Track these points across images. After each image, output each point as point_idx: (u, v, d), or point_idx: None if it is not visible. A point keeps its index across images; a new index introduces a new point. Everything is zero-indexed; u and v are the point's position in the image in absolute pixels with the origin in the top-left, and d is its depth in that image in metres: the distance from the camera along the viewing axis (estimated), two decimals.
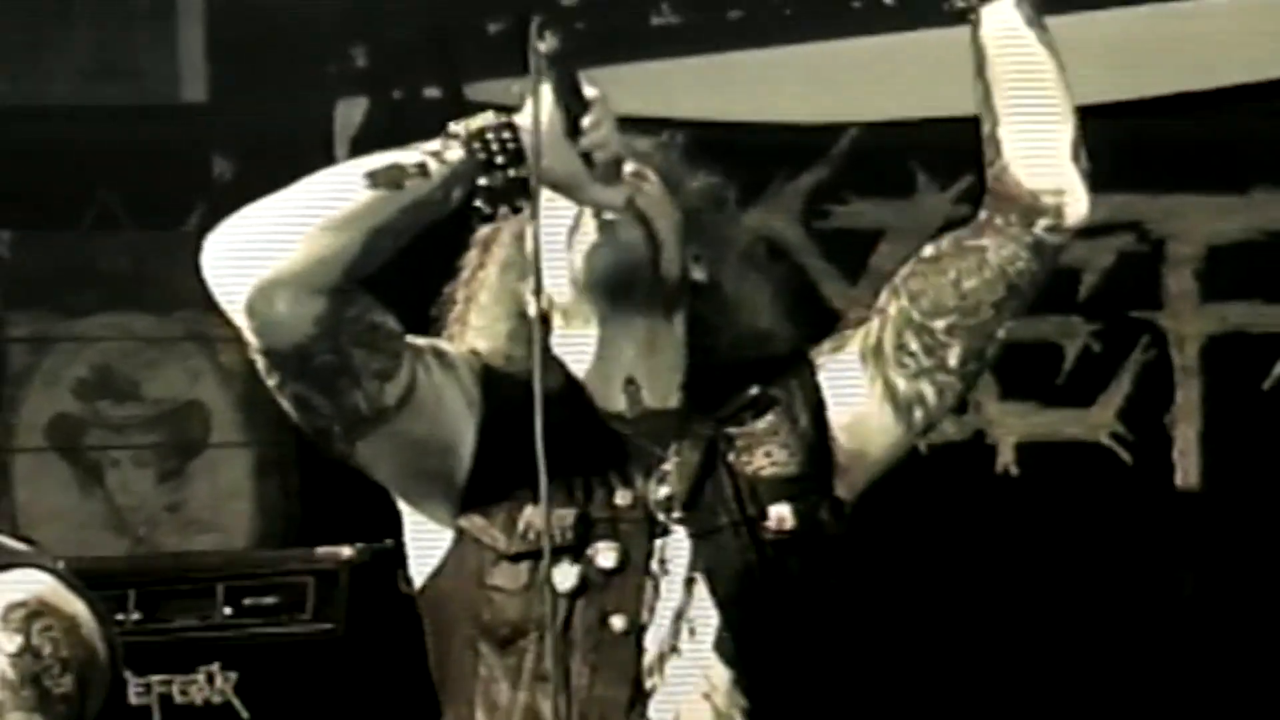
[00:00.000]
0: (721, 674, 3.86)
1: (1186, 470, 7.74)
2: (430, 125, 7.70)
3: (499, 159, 3.69)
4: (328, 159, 7.68)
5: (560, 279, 3.95)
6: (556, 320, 4.04)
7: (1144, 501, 7.79)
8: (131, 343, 8.21)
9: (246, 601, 6.85)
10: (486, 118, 3.74)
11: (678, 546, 3.85)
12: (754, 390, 4.02)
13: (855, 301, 7.69)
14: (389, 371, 3.84)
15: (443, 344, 4.01)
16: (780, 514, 3.89)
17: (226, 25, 8.21)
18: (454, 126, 3.72)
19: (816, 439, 4.00)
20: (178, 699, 6.67)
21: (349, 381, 3.81)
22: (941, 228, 7.35)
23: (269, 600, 6.85)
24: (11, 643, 4.37)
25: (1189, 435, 7.70)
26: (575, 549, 3.85)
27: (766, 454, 3.98)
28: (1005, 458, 8.03)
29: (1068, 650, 7.32)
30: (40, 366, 8.13)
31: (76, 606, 4.47)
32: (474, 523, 3.90)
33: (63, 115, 8.16)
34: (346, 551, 6.93)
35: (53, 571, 4.44)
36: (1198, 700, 7.37)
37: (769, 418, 4.00)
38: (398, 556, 6.78)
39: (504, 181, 3.69)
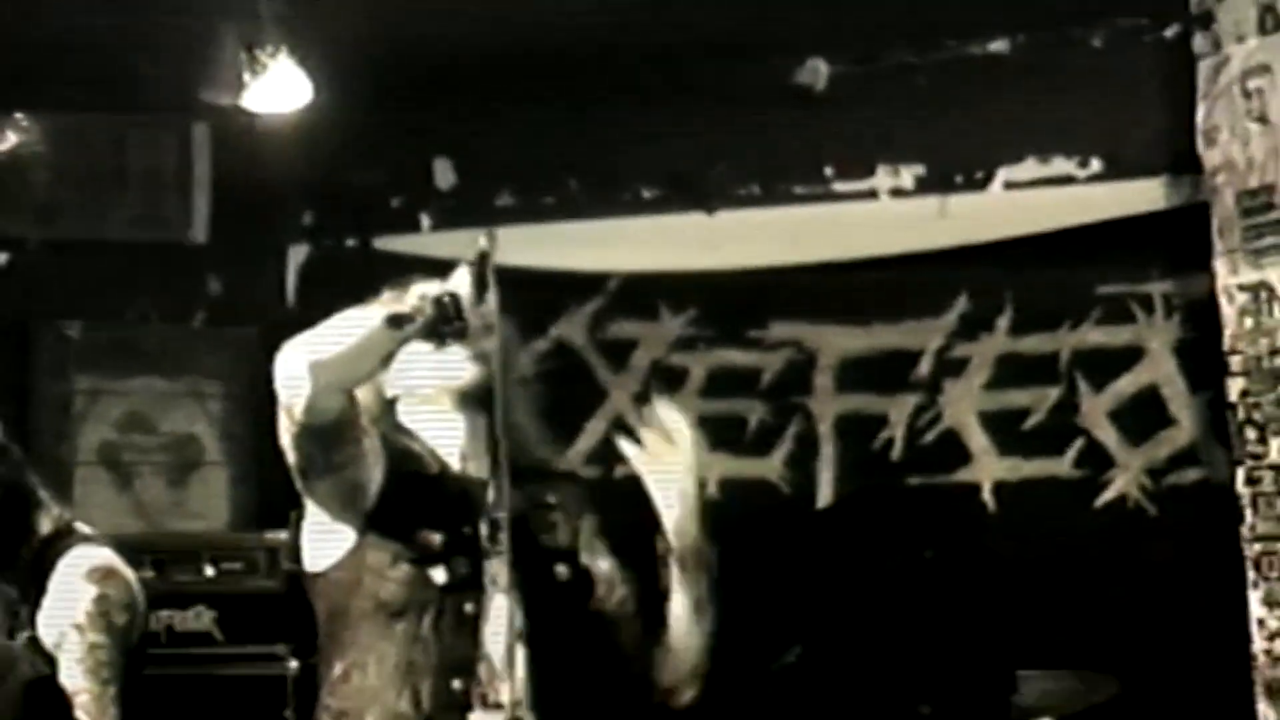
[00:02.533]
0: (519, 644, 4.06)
1: (824, 497, 7.93)
2: (349, 265, 8.33)
3: (452, 315, 4.03)
4: (281, 285, 8.42)
5: (428, 383, 4.34)
6: (414, 404, 4.41)
7: (796, 519, 7.83)
8: (153, 395, 8.48)
9: (223, 566, 7.34)
10: (446, 287, 4.09)
11: (500, 564, 4.11)
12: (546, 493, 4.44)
13: (617, 385, 8.44)
14: (355, 442, 4.17)
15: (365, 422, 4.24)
16: (560, 570, 4.34)
17: (222, 194, 8.45)
18: (426, 290, 4.12)
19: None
20: (177, 628, 7.13)
21: (337, 446, 4.13)
22: (676, 340, 7.96)
23: (237, 565, 7.34)
24: (93, 591, 5.47)
25: (827, 476, 7.94)
26: (444, 558, 4.18)
27: (550, 528, 4.40)
28: (711, 490, 8.23)
29: None
30: (93, 409, 8.40)
31: (128, 571, 5.30)
32: (377, 536, 4.18)
33: (116, 247, 8.39)
34: (284, 535, 7.00)
35: (111, 547, 5.38)
36: None
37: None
38: None
39: (453, 329, 4.06)
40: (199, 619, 7.33)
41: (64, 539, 5.44)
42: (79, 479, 8.35)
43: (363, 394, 4.28)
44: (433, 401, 4.39)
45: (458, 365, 4.24)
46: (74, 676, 5.22)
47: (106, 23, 7.10)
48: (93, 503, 8.16)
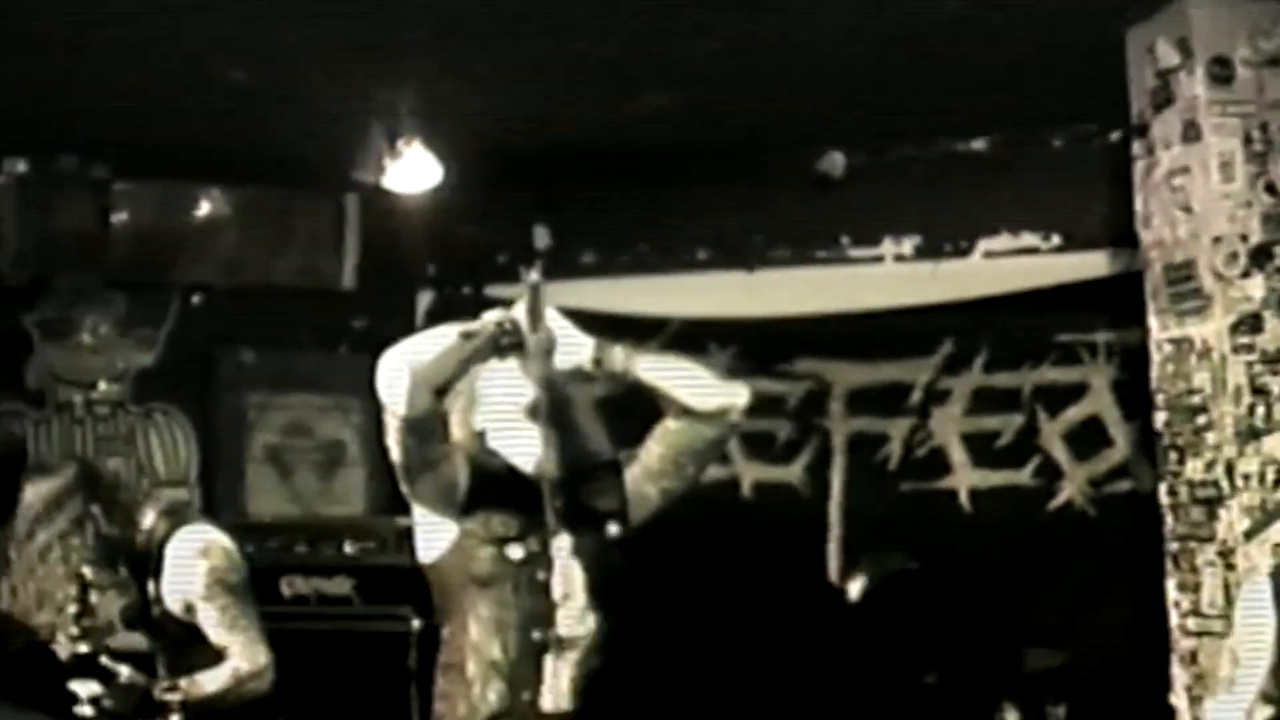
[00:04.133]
0: (583, 600, 4.13)
1: (835, 496, 7.91)
2: (464, 308, 8.42)
3: (509, 334, 3.99)
4: (411, 322, 8.30)
5: (505, 405, 4.23)
6: (497, 429, 4.28)
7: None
8: (309, 408, 8.63)
9: (361, 544, 7.42)
10: (503, 313, 4.05)
11: (563, 543, 4.13)
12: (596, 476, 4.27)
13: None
14: (446, 441, 4.18)
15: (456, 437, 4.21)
16: (611, 529, 4.23)
17: (367, 251, 8.63)
18: (487, 315, 4.04)
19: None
20: (324, 592, 7.27)
21: (431, 442, 4.12)
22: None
23: (372, 544, 7.41)
24: (204, 564, 5.26)
25: (838, 482, 7.93)
26: (521, 539, 4.13)
27: (602, 497, 4.25)
28: (745, 490, 8.06)
29: None
30: (262, 419, 8.58)
31: (224, 539, 5.37)
32: (469, 524, 4.16)
33: (283, 291, 8.53)
34: (410, 520, 7.82)
35: (215, 526, 5.51)
36: None
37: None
38: None
39: (509, 343, 4.00)
40: (341, 586, 7.40)
41: (171, 521, 5.46)
42: (250, 473, 8.46)
43: (457, 429, 4.28)
44: (510, 420, 4.29)
45: (523, 389, 4.17)
46: (220, 635, 5.28)
47: (284, 116, 7.24)
48: (260, 491, 8.32)
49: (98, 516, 5.37)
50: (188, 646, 5.30)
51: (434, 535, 4.30)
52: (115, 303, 8.52)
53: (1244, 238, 5.93)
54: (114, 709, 4.94)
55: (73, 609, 5.10)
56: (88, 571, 5.19)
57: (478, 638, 4.23)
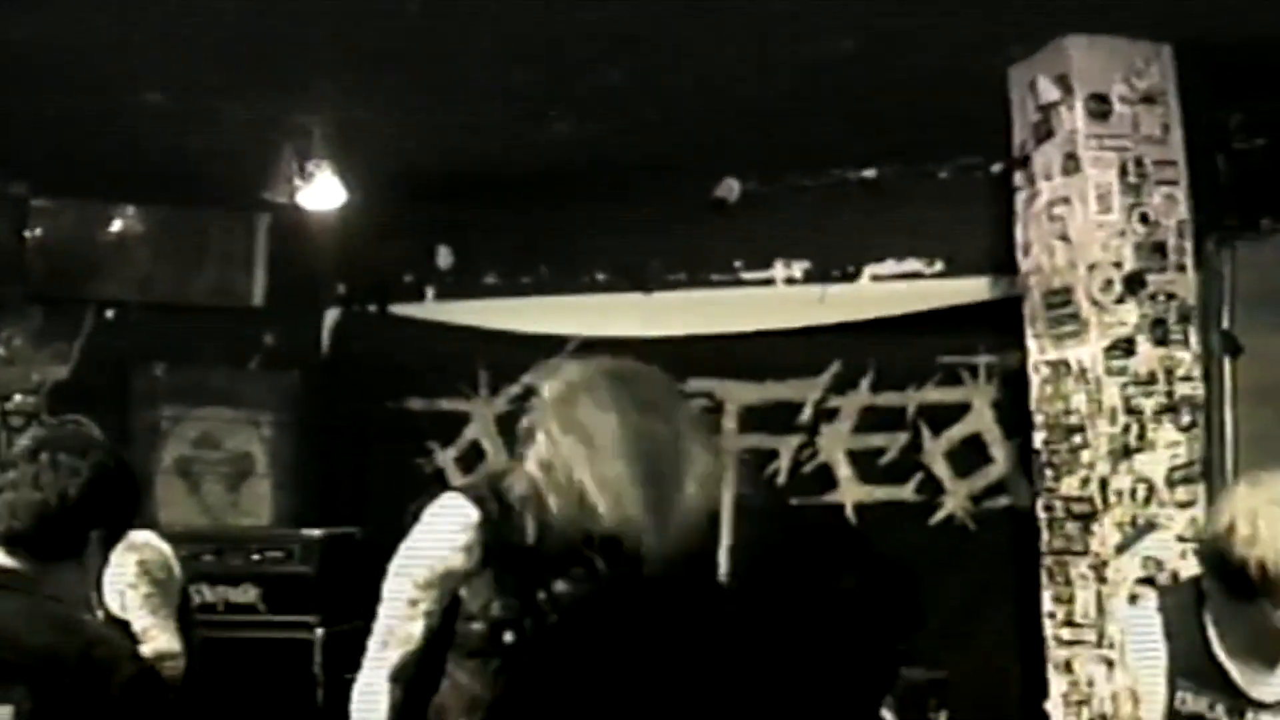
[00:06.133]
0: None
1: (727, 509, 7.19)
2: (370, 325, 8.37)
3: None
4: (318, 339, 8.55)
5: None
6: None
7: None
8: (219, 421, 8.52)
9: (266, 553, 7.47)
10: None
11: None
12: None
13: None
14: None
15: None
16: None
17: (276, 270, 8.54)
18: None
19: None
20: (230, 600, 7.28)
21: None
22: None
23: (278, 553, 7.47)
24: (134, 557, 5.33)
25: (728, 496, 7.26)
26: (517, 622, 3.97)
27: None
28: None
29: None
30: (174, 431, 8.47)
31: (161, 543, 5.47)
32: (467, 594, 4.01)
33: (195, 308, 8.43)
34: (316, 531, 7.55)
35: (154, 532, 5.57)
36: None
37: None
38: (348, 538, 7.58)
39: None
40: (247, 594, 7.41)
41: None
42: (160, 485, 8.37)
43: None
44: None
45: None
46: (141, 618, 5.36)
47: (198, 137, 7.19)
48: (170, 501, 8.22)
49: None
50: None
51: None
52: (31, 316, 8.42)
53: (1118, 265, 5.98)
54: None
55: None
56: None
57: (448, 702, 4.08)
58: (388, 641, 4.01)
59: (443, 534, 4.00)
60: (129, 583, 5.39)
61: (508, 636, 3.98)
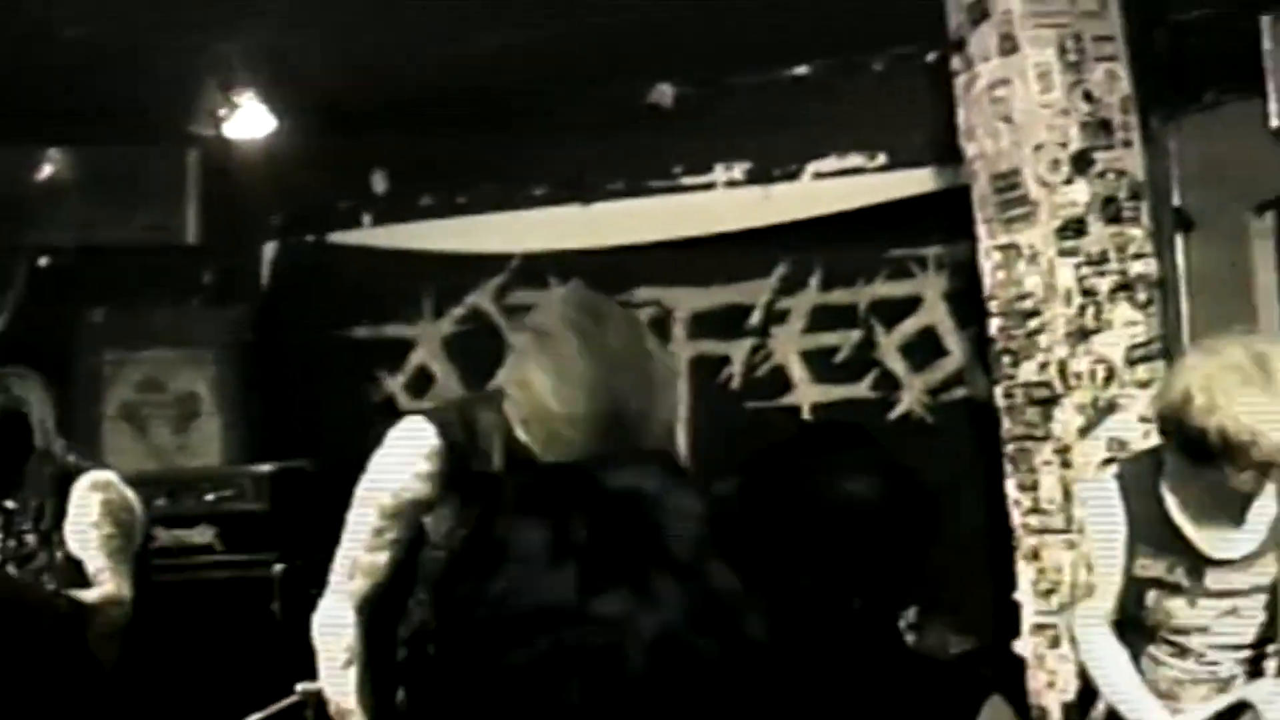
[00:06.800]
0: None
1: (681, 420, 7.19)
2: (309, 256, 8.30)
3: None
4: (258, 273, 8.50)
5: None
6: None
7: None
8: (163, 363, 8.39)
9: (220, 492, 7.40)
10: None
11: None
12: None
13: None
14: None
15: None
16: None
17: (210, 205, 8.34)
18: None
19: None
20: (185, 542, 7.16)
21: None
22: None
23: (229, 492, 7.39)
24: (99, 497, 5.41)
25: (682, 408, 7.20)
26: None
27: None
28: None
29: None
30: (118, 375, 8.37)
31: (124, 487, 5.45)
32: None
33: (131, 249, 8.26)
34: (267, 467, 7.48)
35: (114, 471, 5.55)
36: None
37: None
38: (301, 471, 7.51)
39: None
40: (203, 535, 7.30)
41: (73, 475, 5.48)
42: (106, 430, 8.28)
43: None
44: None
45: None
46: (96, 560, 5.33)
47: (122, 73, 6.99)
48: (117, 448, 8.07)
49: None
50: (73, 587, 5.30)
51: None
52: None
53: (1064, 145, 5.91)
54: None
55: None
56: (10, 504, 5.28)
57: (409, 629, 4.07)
58: (353, 573, 3.96)
59: (405, 461, 3.94)
60: (92, 522, 5.36)
61: None
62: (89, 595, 5.30)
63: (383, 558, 3.96)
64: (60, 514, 5.43)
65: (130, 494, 5.58)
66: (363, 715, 3.96)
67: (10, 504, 5.29)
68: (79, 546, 5.39)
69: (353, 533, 3.99)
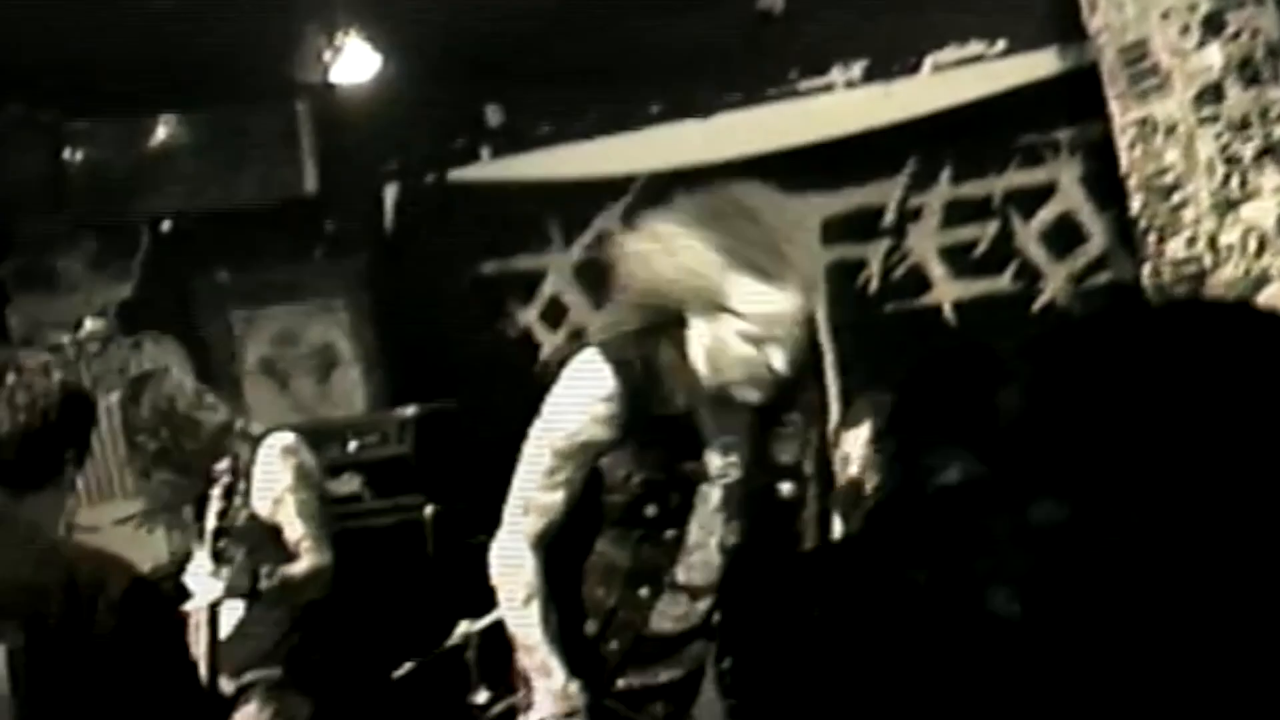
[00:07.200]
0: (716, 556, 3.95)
1: (823, 327, 7.47)
2: (430, 196, 8.26)
3: None
4: (380, 218, 8.43)
5: None
6: None
7: None
8: (294, 316, 8.42)
9: (364, 440, 7.35)
10: None
11: (714, 488, 3.93)
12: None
13: None
14: None
15: None
16: (784, 488, 3.99)
17: (325, 154, 8.22)
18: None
19: None
20: (336, 492, 6.76)
21: None
22: None
23: (375, 438, 7.34)
24: (291, 461, 5.40)
25: (821, 314, 7.34)
26: (661, 496, 3.91)
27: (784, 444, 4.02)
28: None
29: None
30: (250, 332, 8.40)
31: (307, 449, 5.49)
32: (609, 463, 3.90)
33: (249, 206, 8.14)
34: (410, 411, 7.38)
35: (295, 433, 5.57)
36: None
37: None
38: (445, 412, 7.48)
39: None
40: (350, 484, 7.26)
41: (242, 436, 5.54)
42: (247, 387, 8.30)
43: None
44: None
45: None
46: (295, 528, 5.37)
47: (220, 30, 6.90)
48: (259, 403, 8.08)
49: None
50: (259, 551, 5.26)
51: None
52: (85, 242, 8.30)
53: (1192, 9, 5.73)
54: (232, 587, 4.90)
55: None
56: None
57: (586, 566, 3.96)
58: (527, 509, 3.91)
59: (580, 403, 3.85)
60: (287, 487, 5.39)
61: (650, 510, 3.88)
62: (296, 569, 5.33)
63: (557, 496, 3.90)
64: (245, 479, 5.41)
65: (312, 455, 5.63)
66: (549, 650, 3.89)
67: (166, 476, 5.24)
68: (271, 513, 5.42)
69: (527, 471, 3.93)
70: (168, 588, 5.04)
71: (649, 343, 3.85)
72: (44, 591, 2.92)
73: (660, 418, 3.83)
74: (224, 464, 5.09)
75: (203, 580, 4.95)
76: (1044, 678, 1.88)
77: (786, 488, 3.99)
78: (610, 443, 3.85)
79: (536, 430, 3.91)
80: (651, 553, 3.90)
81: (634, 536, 3.88)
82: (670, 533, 3.89)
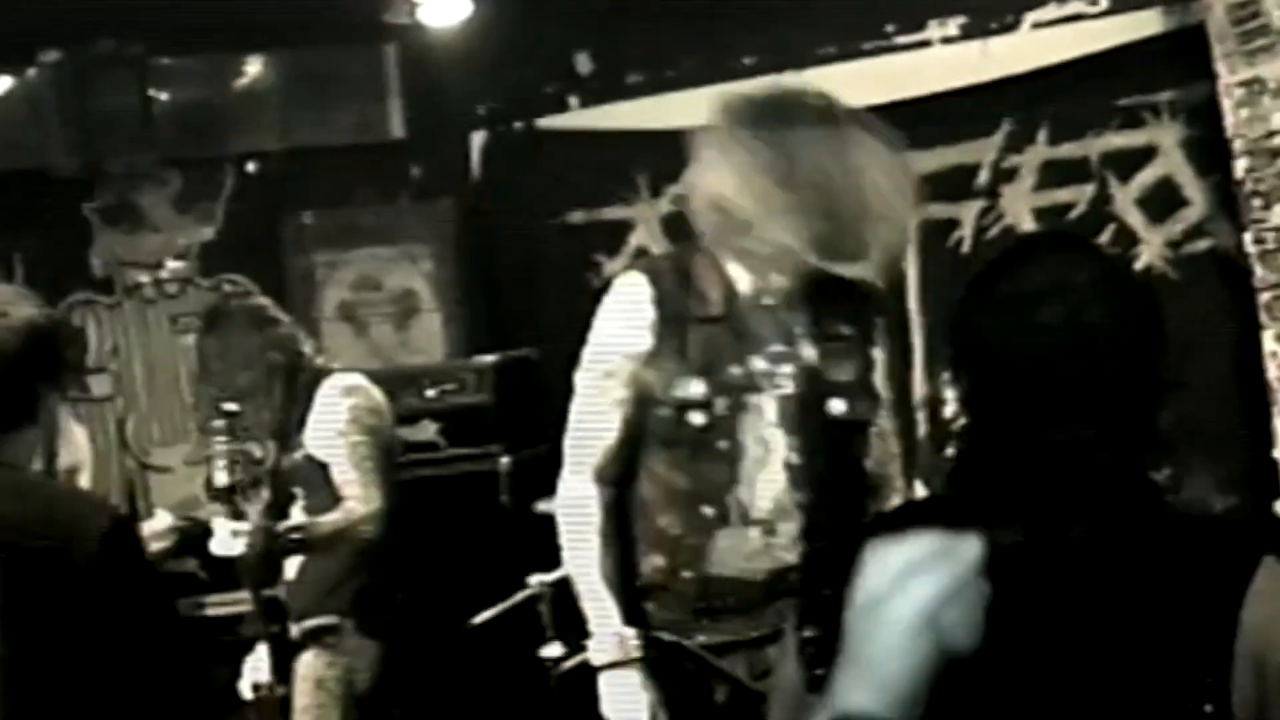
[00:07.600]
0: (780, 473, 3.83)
1: (912, 287, 7.55)
2: (518, 143, 8.17)
3: None
4: (467, 164, 8.30)
5: None
6: None
7: None
8: (377, 261, 8.30)
9: (443, 387, 7.30)
10: None
11: (770, 399, 3.85)
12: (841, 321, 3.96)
13: None
14: None
15: None
16: (836, 406, 3.88)
17: (412, 98, 8.26)
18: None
19: None
20: (412, 439, 6.91)
21: None
22: None
23: (452, 386, 7.28)
24: (347, 402, 5.34)
25: (913, 273, 7.52)
26: (706, 404, 3.85)
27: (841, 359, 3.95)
28: None
29: None
30: (332, 276, 8.28)
31: (373, 388, 5.48)
32: (650, 375, 3.90)
33: (336, 149, 8.18)
34: (489, 359, 7.35)
35: (363, 375, 5.55)
36: None
37: None
38: (524, 361, 7.42)
39: None
40: (426, 431, 7.19)
41: (319, 374, 5.55)
42: (325, 331, 8.19)
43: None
44: None
45: None
46: (344, 470, 5.30)
47: None
48: (337, 347, 7.99)
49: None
50: (314, 493, 5.34)
51: None
52: (171, 181, 8.33)
53: None
54: (250, 545, 4.89)
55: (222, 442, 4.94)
56: (233, 406, 5.06)
57: (649, 497, 3.88)
58: (584, 441, 3.88)
59: (621, 315, 3.87)
60: (339, 429, 5.34)
61: (697, 419, 3.77)
62: (327, 519, 5.25)
63: (615, 420, 3.86)
64: (303, 415, 5.44)
65: (380, 397, 5.57)
66: (606, 594, 3.84)
67: (232, 406, 5.14)
68: (325, 453, 5.36)
69: (580, 400, 3.91)
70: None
71: (684, 255, 3.90)
72: (20, 528, 2.87)
73: (698, 320, 3.80)
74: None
75: (224, 540, 4.93)
76: None
77: (840, 405, 3.85)
78: (652, 352, 3.81)
79: (586, 357, 3.89)
80: (709, 468, 3.79)
81: (685, 450, 3.79)
82: (723, 444, 3.78)
